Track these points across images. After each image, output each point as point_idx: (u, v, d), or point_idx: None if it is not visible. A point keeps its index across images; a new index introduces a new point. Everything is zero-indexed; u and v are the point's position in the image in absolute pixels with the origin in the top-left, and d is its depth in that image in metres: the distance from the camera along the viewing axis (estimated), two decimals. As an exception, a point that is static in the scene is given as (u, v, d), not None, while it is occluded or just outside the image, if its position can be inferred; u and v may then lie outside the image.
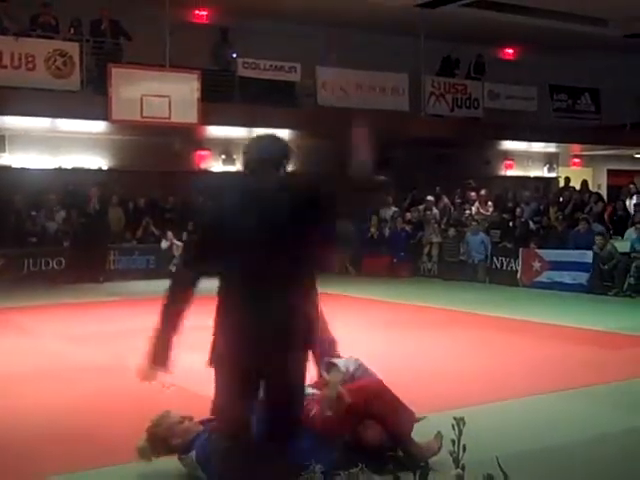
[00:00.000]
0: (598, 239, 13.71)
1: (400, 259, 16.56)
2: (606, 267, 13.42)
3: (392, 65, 17.97)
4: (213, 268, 3.53)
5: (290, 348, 3.44)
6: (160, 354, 3.58)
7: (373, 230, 16.89)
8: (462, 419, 4.71)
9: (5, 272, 14.52)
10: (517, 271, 14.85)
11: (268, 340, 3.40)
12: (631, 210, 15.56)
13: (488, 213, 16.74)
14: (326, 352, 4.84)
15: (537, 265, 14.51)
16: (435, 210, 16.80)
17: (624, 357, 8.24)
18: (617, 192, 18.56)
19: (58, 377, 7.26)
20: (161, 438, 4.47)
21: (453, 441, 4.57)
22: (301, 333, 3.45)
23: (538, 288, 14.18)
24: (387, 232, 16.85)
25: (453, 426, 4.68)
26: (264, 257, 3.41)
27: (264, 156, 3.54)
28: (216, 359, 3.54)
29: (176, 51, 15.85)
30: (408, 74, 18.38)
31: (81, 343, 9.06)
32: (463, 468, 3.82)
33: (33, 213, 15.84)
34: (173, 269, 11.01)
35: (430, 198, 17.06)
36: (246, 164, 3.62)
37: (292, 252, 3.41)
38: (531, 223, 16.10)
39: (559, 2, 17.21)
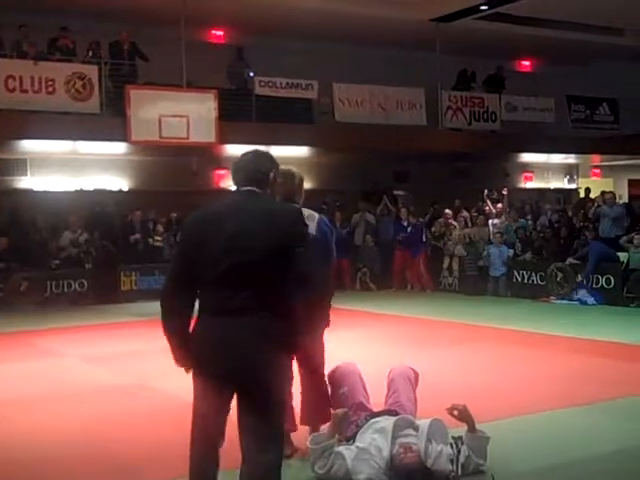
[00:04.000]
0: (637, 238, 13.57)
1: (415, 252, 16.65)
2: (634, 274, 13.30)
3: (408, 80, 18.01)
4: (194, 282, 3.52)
5: (262, 353, 3.39)
6: (181, 359, 3.61)
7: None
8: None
9: (28, 294, 14.65)
10: (538, 284, 14.72)
11: (237, 345, 3.38)
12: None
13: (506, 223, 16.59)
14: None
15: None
16: (455, 223, 16.76)
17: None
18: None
19: (80, 398, 7.30)
20: None
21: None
22: (276, 338, 3.39)
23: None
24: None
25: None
26: (237, 272, 3.41)
27: (250, 169, 3.67)
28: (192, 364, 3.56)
29: (193, 71, 15.97)
30: (424, 88, 18.42)
31: (104, 364, 9.11)
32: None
33: (55, 235, 15.96)
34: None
35: (448, 211, 17.05)
36: (234, 180, 3.72)
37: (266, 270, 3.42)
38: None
39: (574, 13, 17.20)
